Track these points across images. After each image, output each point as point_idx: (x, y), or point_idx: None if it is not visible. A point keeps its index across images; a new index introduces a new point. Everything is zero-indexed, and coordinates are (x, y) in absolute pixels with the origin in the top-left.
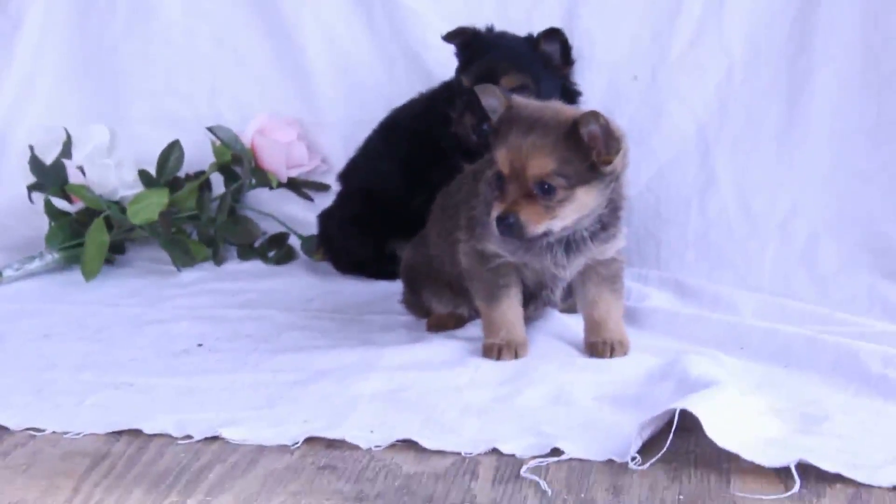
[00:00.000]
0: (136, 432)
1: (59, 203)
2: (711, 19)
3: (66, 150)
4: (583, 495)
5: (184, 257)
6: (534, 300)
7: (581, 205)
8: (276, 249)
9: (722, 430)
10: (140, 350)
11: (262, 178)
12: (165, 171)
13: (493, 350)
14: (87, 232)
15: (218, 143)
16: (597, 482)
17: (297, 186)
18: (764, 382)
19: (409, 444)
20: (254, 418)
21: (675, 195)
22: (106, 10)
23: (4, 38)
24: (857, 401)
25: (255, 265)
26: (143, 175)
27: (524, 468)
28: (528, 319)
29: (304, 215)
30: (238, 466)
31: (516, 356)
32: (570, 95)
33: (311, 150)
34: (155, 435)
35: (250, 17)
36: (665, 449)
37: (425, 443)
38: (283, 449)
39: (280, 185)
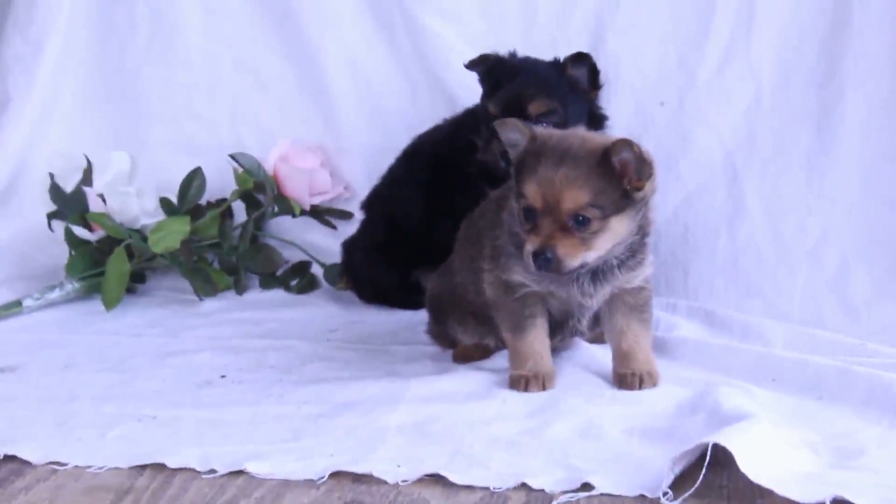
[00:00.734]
0: (160, 466)
1: (80, 231)
2: (740, 44)
3: (87, 178)
4: None
5: (205, 286)
6: (560, 330)
7: (615, 234)
8: (299, 278)
9: (755, 464)
10: (162, 381)
11: (285, 205)
12: (187, 199)
13: (521, 382)
14: (107, 261)
15: (240, 170)
16: None
17: (320, 214)
18: (796, 415)
19: (436, 479)
20: (279, 452)
21: (703, 222)
22: (127, 34)
23: (25, 64)
24: (891, 434)
25: (278, 294)
26: (165, 203)
27: (554, 503)
28: (555, 349)
29: (326, 243)
30: (264, 501)
31: (544, 388)
32: (597, 120)
33: (334, 177)
34: (179, 469)
35: (272, 42)
36: (697, 484)
37: (453, 477)
38: (309, 483)
39: (303, 212)
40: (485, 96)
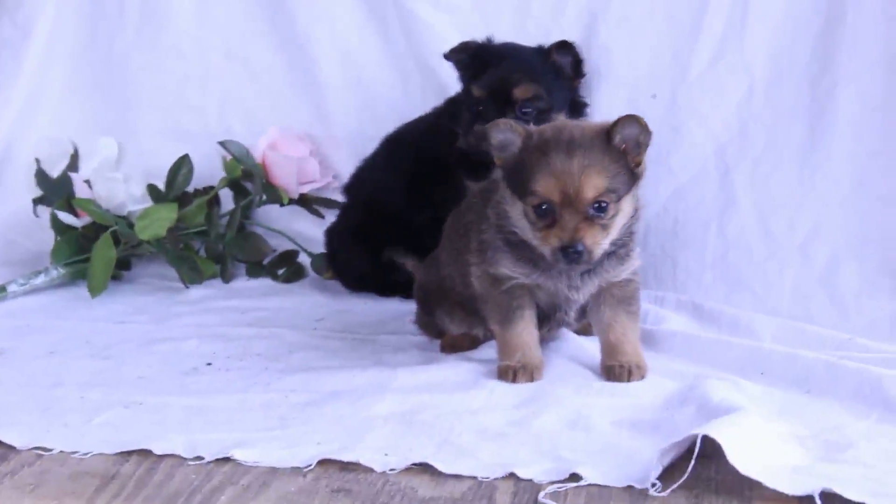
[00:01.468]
0: (146, 452)
1: (66, 217)
2: (733, 38)
3: (73, 163)
4: None
5: (191, 274)
6: (547, 321)
7: (625, 214)
8: (286, 267)
9: (744, 456)
10: (148, 368)
11: (273, 194)
12: (174, 186)
13: (509, 373)
14: (93, 247)
15: (229, 157)
16: None
17: (309, 203)
18: (785, 409)
19: (424, 468)
20: (266, 439)
21: (694, 216)
22: (116, 20)
23: (12, 48)
24: (880, 428)
25: (264, 283)
26: (152, 190)
27: (542, 494)
28: (543, 340)
29: (314, 232)
30: (250, 489)
31: (532, 379)
32: (578, 107)
33: (323, 166)
34: (165, 455)
35: (263, 30)
36: (686, 475)
37: (441, 466)
38: (295, 471)
39: (291, 201)
40: (468, 80)
